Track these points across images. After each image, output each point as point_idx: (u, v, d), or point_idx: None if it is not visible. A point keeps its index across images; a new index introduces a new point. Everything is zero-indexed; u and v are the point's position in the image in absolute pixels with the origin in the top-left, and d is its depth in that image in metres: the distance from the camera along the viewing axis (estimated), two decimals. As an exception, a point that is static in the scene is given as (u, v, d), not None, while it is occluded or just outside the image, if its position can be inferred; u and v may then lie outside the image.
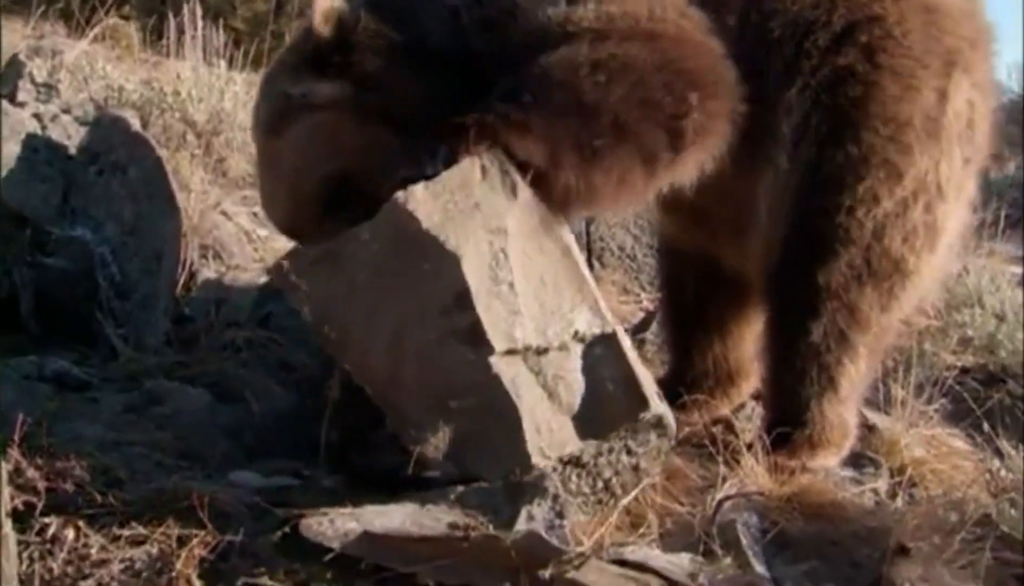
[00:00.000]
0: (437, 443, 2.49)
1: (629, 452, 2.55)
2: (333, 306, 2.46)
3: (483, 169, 2.43)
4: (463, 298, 2.34)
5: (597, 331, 2.49)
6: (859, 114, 2.80)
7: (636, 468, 2.58)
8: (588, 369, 2.47)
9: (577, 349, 2.48)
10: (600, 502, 2.57)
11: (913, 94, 2.82)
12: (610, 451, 2.53)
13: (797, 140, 2.83)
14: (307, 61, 2.71)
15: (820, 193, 2.82)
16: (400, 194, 2.37)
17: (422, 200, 2.37)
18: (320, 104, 2.66)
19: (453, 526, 2.27)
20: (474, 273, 2.35)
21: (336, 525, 2.29)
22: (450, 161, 2.43)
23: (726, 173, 2.77)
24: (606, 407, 2.48)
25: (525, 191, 2.47)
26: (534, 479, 2.38)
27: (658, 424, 2.55)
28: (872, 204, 2.80)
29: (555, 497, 2.36)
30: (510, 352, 2.39)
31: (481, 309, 2.34)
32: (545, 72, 2.53)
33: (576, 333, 2.48)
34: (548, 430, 2.42)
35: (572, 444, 2.46)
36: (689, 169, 2.69)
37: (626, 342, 2.55)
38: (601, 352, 2.49)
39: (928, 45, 2.83)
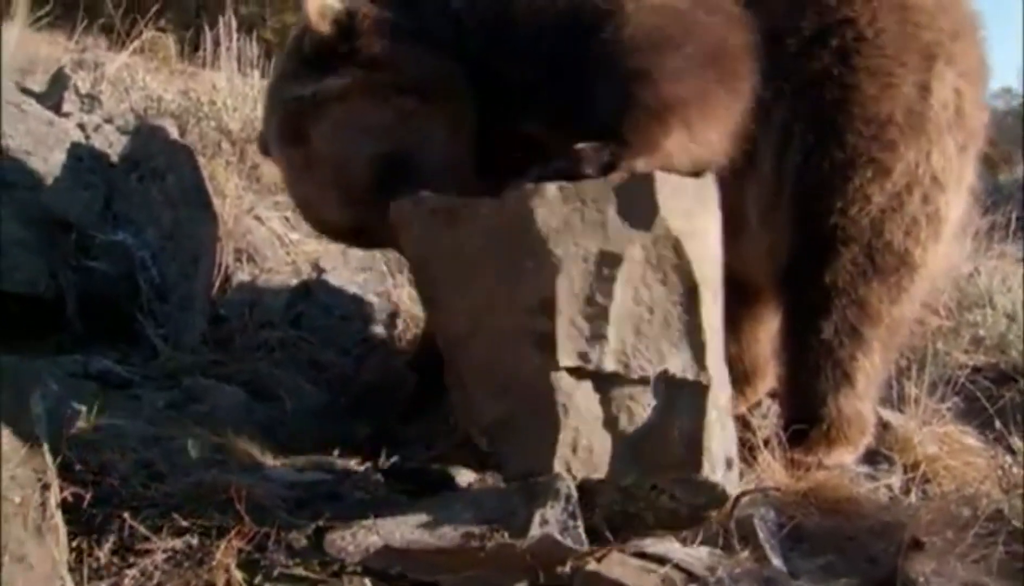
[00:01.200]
0: (480, 419, 2.48)
1: (672, 498, 2.46)
2: (435, 258, 2.43)
3: (623, 189, 2.33)
4: (547, 306, 2.31)
5: (689, 377, 2.38)
6: (840, 117, 2.79)
7: (673, 513, 2.48)
8: (662, 409, 2.38)
9: (660, 387, 2.38)
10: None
11: (892, 92, 2.80)
12: (652, 488, 2.43)
13: (781, 148, 2.83)
14: (309, 62, 2.66)
15: (812, 198, 2.81)
16: (531, 187, 2.31)
17: (549, 200, 2.30)
18: (337, 97, 2.61)
19: (469, 536, 2.27)
20: (567, 288, 2.31)
21: (358, 539, 2.28)
22: (609, 168, 2.35)
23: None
24: (662, 451, 2.39)
25: (673, 221, 2.35)
26: (547, 481, 2.38)
27: (711, 491, 2.43)
28: (864, 202, 2.79)
29: (567, 498, 2.35)
30: (575, 370, 2.35)
31: (560, 323, 2.31)
32: (625, 46, 2.43)
33: (665, 371, 2.38)
34: (586, 451, 2.38)
35: (603, 470, 2.39)
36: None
37: (718, 400, 2.42)
38: (684, 399, 2.39)
39: (904, 42, 2.81)
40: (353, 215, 2.69)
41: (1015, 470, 2.52)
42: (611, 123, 2.39)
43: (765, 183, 2.88)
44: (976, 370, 3.24)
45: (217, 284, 3.47)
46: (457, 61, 2.66)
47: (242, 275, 3.58)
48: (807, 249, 2.85)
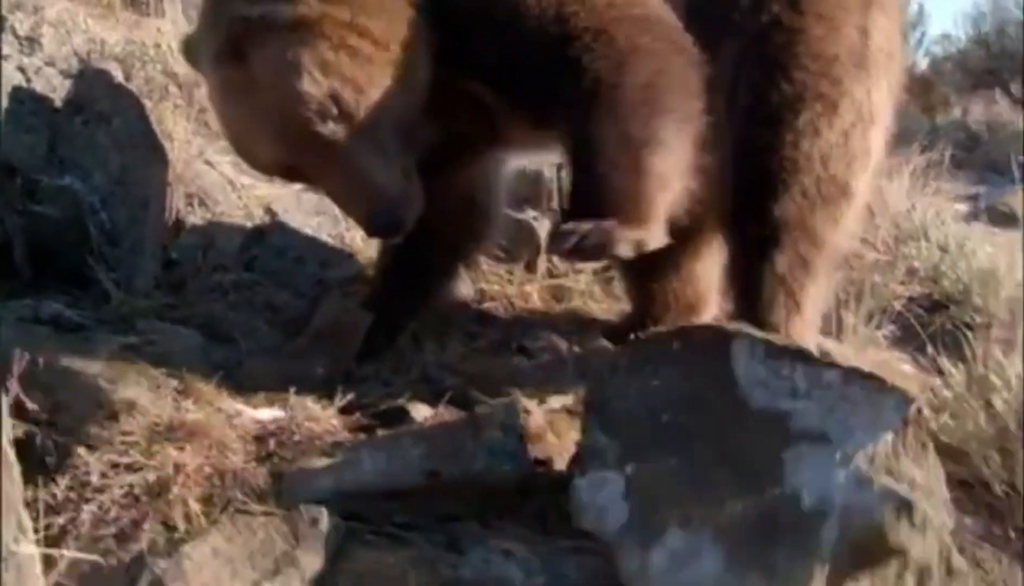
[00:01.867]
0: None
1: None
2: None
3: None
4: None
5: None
6: (788, 57, 2.85)
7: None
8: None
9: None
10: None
11: (836, 34, 2.88)
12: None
13: (731, 93, 2.86)
14: None
15: (764, 134, 2.86)
16: None
17: None
18: (287, 25, 2.46)
19: (420, 473, 2.33)
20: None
21: (313, 480, 2.32)
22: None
23: None
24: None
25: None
26: (492, 411, 2.43)
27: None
28: (814, 136, 2.85)
29: (511, 427, 2.41)
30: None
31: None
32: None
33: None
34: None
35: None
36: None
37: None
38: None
39: None
40: (284, 151, 2.57)
41: (944, 391, 2.61)
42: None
43: (714, 128, 2.85)
44: (911, 300, 3.33)
45: (168, 229, 3.40)
46: (420, 11, 2.61)
47: (194, 219, 3.51)
48: (758, 185, 2.90)
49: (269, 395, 2.78)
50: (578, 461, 2.13)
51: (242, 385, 2.77)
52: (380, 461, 2.37)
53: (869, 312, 3.18)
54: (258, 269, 3.40)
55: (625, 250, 2.46)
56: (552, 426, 2.88)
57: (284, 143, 2.53)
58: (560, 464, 2.63)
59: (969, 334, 2.72)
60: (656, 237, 2.56)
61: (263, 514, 2.13)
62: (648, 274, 3.44)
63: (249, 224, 3.61)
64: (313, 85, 2.46)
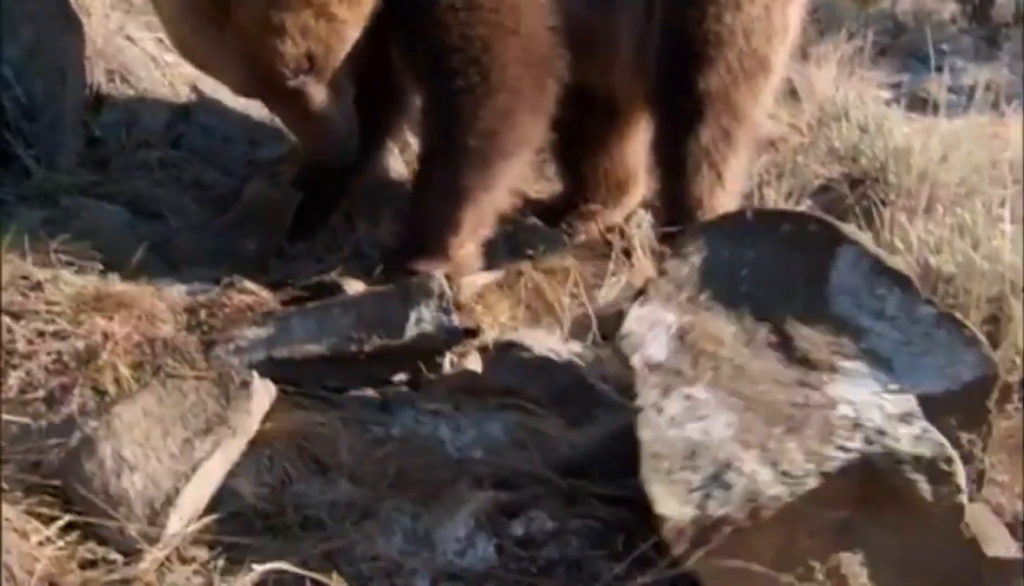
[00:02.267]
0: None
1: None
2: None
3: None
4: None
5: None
6: None
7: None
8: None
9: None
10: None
11: None
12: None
13: None
14: None
15: (687, 8, 2.91)
16: None
17: None
18: None
19: (349, 340, 2.33)
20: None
21: (244, 349, 2.32)
22: None
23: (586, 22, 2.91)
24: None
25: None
26: (421, 281, 2.44)
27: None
28: (736, 10, 2.90)
29: (441, 296, 2.42)
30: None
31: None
32: None
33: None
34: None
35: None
36: None
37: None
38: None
39: None
40: (248, 89, 2.79)
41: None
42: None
43: (637, 6, 2.95)
44: (830, 178, 3.41)
45: (89, 104, 3.26)
46: None
47: (116, 96, 3.36)
48: (683, 60, 2.94)
49: (199, 270, 2.76)
50: (643, 292, 2.05)
51: (172, 259, 2.74)
52: (311, 329, 2.38)
53: (790, 189, 3.26)
54: (185, 147, 3.31)
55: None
56: (482, 299, 2.93)
57: (251, 84, 2.74)
58: (489, 334, 2.69)
59: (882, 207, 2.80)
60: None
61: (194, 378, 2.12)
62: (579, 154, 3.46)
63: (174, 102, 3.49)
64: (293, 48, 2.60)
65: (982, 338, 1.81)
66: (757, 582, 1.57)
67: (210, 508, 1.87)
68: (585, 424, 2.25)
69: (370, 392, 2.35)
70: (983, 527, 1.68)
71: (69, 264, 2.45)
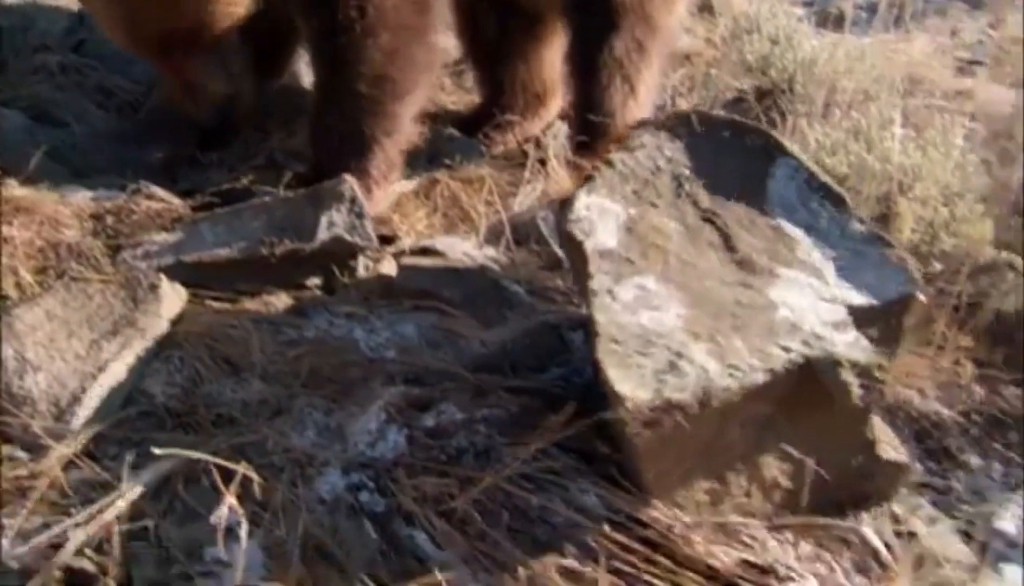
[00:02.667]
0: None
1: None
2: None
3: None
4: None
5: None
6: None
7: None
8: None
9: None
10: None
11: None
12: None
13: None
14: None
15: None
16: None
17: None
18: None
19: (260, 244, 2.30)
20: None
21: (151, 254, 2.27)
22: None
23: None
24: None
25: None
26: (332, 186, 2.41)
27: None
28: None
29: (352, 200, 2.40)
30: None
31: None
32: None
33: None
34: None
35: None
36: None
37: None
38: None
39: None
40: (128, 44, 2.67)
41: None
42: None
43: None
44: (742, 90, 3.45)
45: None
46: None
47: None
48: None
49: (105, 178, 2.67)
50: (588, 179, 2.04)
51: (76, 166, 2.64)
52: (221, 233, 2.33)
53: (702, 100, 3.28)
54: (87, 53, 3.16)
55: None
56: (399, 207, 2.90)
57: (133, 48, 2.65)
58: (406, 241, 2.68)
59: (786, 115, 2.85)
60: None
61: (100, 281, 2.07)
62: (497, 65, 3.42)
63: (74, 6, 3.30)
64: (170, 21, 2.53)
65: (909, 259, 1.87)
66: (686, 466, 1.65)
67: (120, 407, 1.85)
68: (497, 324, 2.28)
69: (284, 296, 2.32)
70: (877, 432, 1.78)
71: (-36, 170, 2.34)
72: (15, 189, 2.35)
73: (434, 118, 3.40)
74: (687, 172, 2.04)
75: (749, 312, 1.76)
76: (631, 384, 1.59)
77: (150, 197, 2.56)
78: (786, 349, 1.67)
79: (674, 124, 2.10)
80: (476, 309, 2.33)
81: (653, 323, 1.73)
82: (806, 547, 1.71)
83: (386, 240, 2.64)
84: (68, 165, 2.65)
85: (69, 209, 2.40)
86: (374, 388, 1.97)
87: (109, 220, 2.43)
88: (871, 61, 3.30)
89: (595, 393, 1.94)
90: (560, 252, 2.64)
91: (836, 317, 1.74)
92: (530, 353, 2.12)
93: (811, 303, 1.77)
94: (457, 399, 1.93)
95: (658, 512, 1.64)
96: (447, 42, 4.20)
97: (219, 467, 1.60)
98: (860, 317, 1.74)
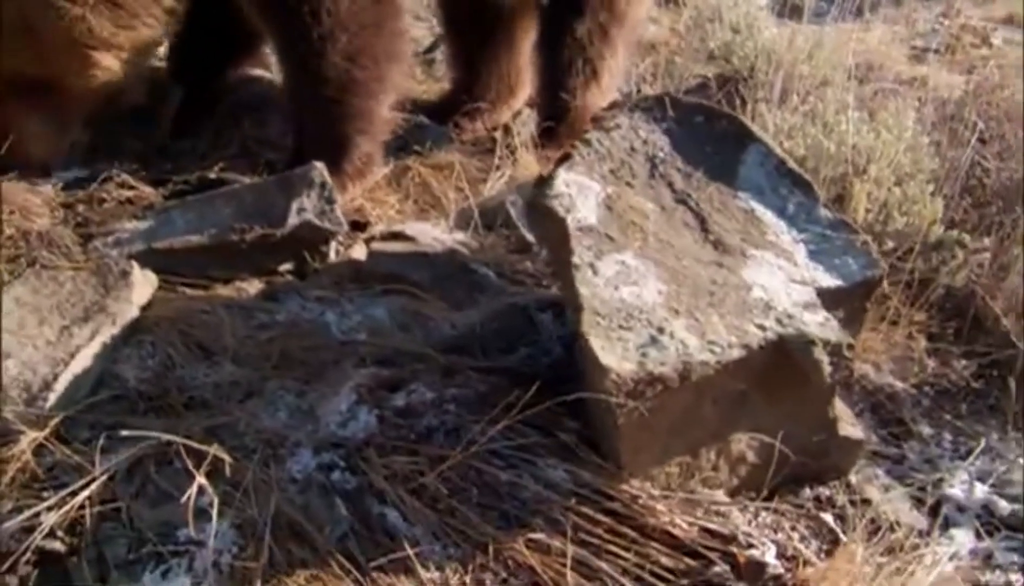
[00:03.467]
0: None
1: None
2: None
3: None
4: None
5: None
6: None
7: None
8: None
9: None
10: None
11: None
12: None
13: None
14: None
15: None
16: None
17: None
18: None
19: (231, 230, 2.27)
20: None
21: (123, 241, 2.24)
22: None
23: None
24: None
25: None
26: (302, 172, 2.38)
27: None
28: None
29: (322, 186, 2.37)
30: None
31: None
32: None
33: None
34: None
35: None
36: None
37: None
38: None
39: None
40: None
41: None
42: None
43: None
44: (704, 78, 3.45)
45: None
46: None
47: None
48: None
49: (76, 168, 2.62)
50: (566, 158, 2.01)
51: (46, 155, 2.59)
52: (192, 221, 2.30)
53: (666, 88, 3.28)
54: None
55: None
56: (371, 193, 2.88)
57: None
58: (377, 227, 2.66)
59: (748, 102, 2.86)
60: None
61: (71, 269, 2.04)
62: (467, 54, 3.40)
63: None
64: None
65: (872, 244, 1.89)
66: (662, 442, 1.65)
67: (92, 392, 1.82)
68: (467, 307, 2.27)
69: (255, 281, 2.30)
70: (837, 410, 1.79)
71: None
72: (-14, 178, 2.29)
73: (405, 106, 3.38)
74: (662, 154, 2.04)
75: (724, 290, 1.77)
76: (615, 357, 1.59)
77: (121, 185, 2.53)
78: (761, 327, 1.67)
79: (649, 106, 2.10)
80: (446, 292, 2.32)
81: (634, 298, 1.73)
82: (767, 517, 1.72)
83: (358, 226, 2.62)
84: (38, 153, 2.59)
85: (40, 198, 2.36)
86: (345, 370, 1.95)
87: (80, 208, 2.40)
88: (829, 49, 3.32)
89: (562, 372, 1.95)
90: (528, 235, 2.64)
91: (806, 298, 1.75)
92: (499, 334, 2.11)
93: (782, 284, 1.78)
94: (427, 379, 1.92)
95: (625, 485, 1.64)
96: (415, 31, 4.20)
97: (190, 449, 1.58)
98: (828, 298, 1.76)
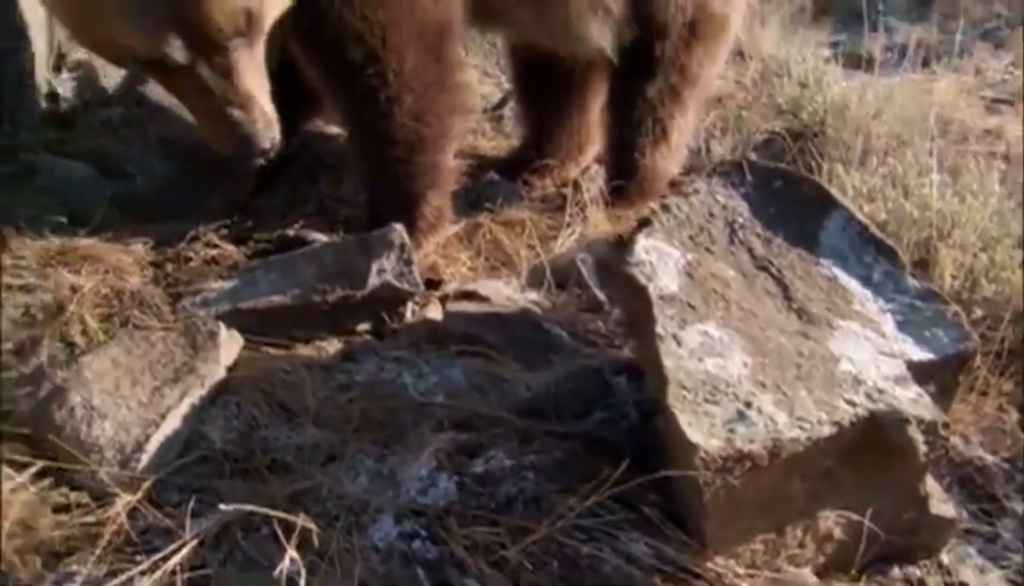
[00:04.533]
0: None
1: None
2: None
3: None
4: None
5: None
6: None
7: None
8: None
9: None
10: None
11: None
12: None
13: None
14: None
15: None
16: None
17: None
18: None
19: (312, 290, 2.29)
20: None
21: (210, 301, 2.28)
22: None
23: None
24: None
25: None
26: (382, 233, 2.40)
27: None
28: None
29: (402, 247, 2.39)
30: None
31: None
32: None
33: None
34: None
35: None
36: None
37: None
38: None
39: None
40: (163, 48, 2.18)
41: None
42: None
43: None
44: (773, 133, 3.41)
45: (52, 63, 3.14)
46: None
47: (77, 55, 3.24)
48: (643, 28, 2.92)
49: (165, 225, 2.69)
50: (645, 224, 1.99)
51: (137, 214, 2.67)
52: (275, 280, 2.33)
53: (735, 143, 3.25)
54: (147, 105, 3.20)
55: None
56: (444, 250, 2.90)
57: (170, 49, 2.16)
58: (450, 285, 2.67)
59: (820, 159, 2.81)
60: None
61: (162, 329, 2.08)
62: (536, 111, 3.43)
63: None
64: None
65: (963, 316, 1.82)
66: (748, 519, 1.60)
67: (181, 454, 1.84)
68: (541, 367, 2.25)
69: (335, 340, 2.32)
70: (929, 487, 1.72)
71: (34, 219, 2.37)
72: (82, 239, 2.37)
73: (475, 163, 3.41)
74: (741, 220, 2.00)
75: (811, 363, 1.71)
76: (702, 433, 1.54)
77: (207, 244, 2.58)
78: (851, 403, 1.61)
79: (727, 171, 2.07)
80: (520, 353, 2.31)
81: (719, 370, 1.68)
82: (855, 596, 1.65)
83: (432, 284, 2.63)
84: (131, 213, 2.68)
85: (131, 257, 2.42)
86: (424, 434, 1.95)
87: (169, 268, 2.45)
88: (900, 102, 3.25)
89: (641, 439, 1.91)
90: (600, 294, 2.62)
91: (896, 371, 1.69)
92: (574, 397, 2.08)
93: (871, 356, 1.72)
94: (505, 445, 1.90)
95: (709, 562, 1.59)
96: (484, 88, 4.25)
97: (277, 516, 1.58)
98: (918, 372, 1.69)
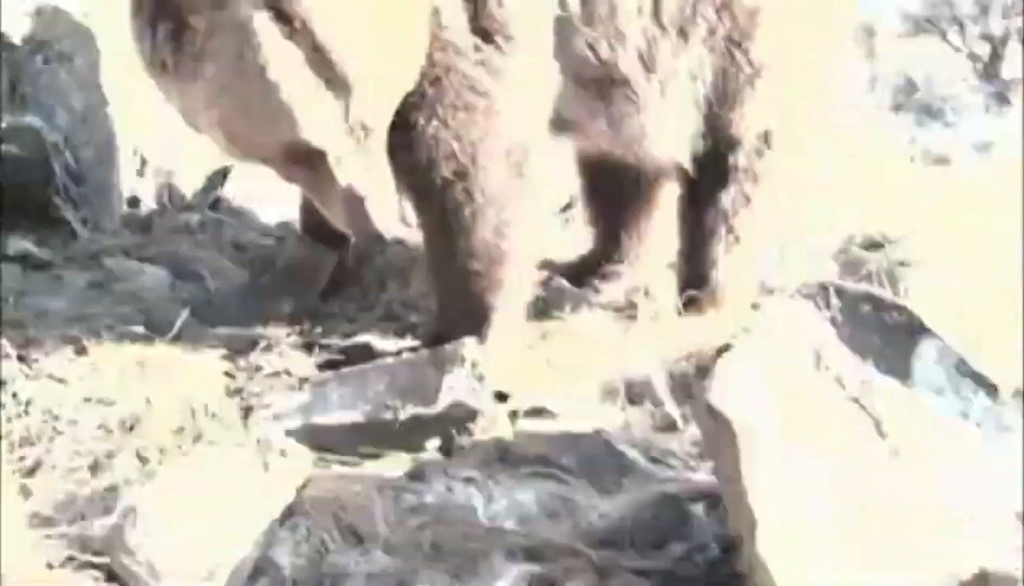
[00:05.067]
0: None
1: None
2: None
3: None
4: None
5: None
6: (740, 54, 2.92)
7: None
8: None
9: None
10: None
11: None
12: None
13: (691, 81, 2.94)
14: None
15: (725, 108, 2.95)
16: None
17: None
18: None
19: (384, 407, 2.34)
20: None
21: (282, 416, 2.33)
22: None
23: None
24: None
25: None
26: (454, 348, 2.44)
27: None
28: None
29: (473, 364, 2.42)
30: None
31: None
32: None
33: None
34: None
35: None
36: None
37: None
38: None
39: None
40: None
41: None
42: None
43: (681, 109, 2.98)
44: (850, 238, 3.39)
45: (136, 170, 3.32)
46: None
47: (157, 161, 3.42)
48: (718, 142, 3.00)
49: (237, 330, 2.77)
50: (726, 349, 1.92)
51: (210, 320, 2.76)
52: (346, 396, 2.37)
53: (811, 248, 3.24)
54: (223, 209, 3.35)
55: None
56: (513, 362, 2.91)
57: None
58: (519, 399, 2.67)
59: (903, 269, 2.78)
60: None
61: (234, 445, 2.13)
62: (604, 216, 3.47)
63: (212, 165, 3.53)
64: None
65: None
66: None
67: (251, 578, 1.85)
68: (615, 491, 2.22)
69: (403, 456, 2.33)
70: None
71: (112, 328, 2.47)
72: (159, 348, 2.45)
73: (543, 268, 3.46)
74: (827, 347, 1.98)
75: (907, 510, 1.66)
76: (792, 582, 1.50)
77: (279, 354, 2.65)
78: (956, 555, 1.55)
79: (811, 293, 2.05)
80: (592, 476, 2.28)
81: (808, 515, 1.64)
82: None
83: (501, 398, 2.63)
84: (204, 319, 2.77)
85: (205, 367, 2.49)
86: (495, 563, 1.92)
87: (240, 378, 2.51)
88: (985, 203, 3.22)
89: (722, 575, 1.86)
90: (674, 413, 2.60)
91: (1004, 518, 1.62)
92: (650, 527, 2.04)
93: (978, 497, 1.66)
94: (580, 578, 1.87)
95: None
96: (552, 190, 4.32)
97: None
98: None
